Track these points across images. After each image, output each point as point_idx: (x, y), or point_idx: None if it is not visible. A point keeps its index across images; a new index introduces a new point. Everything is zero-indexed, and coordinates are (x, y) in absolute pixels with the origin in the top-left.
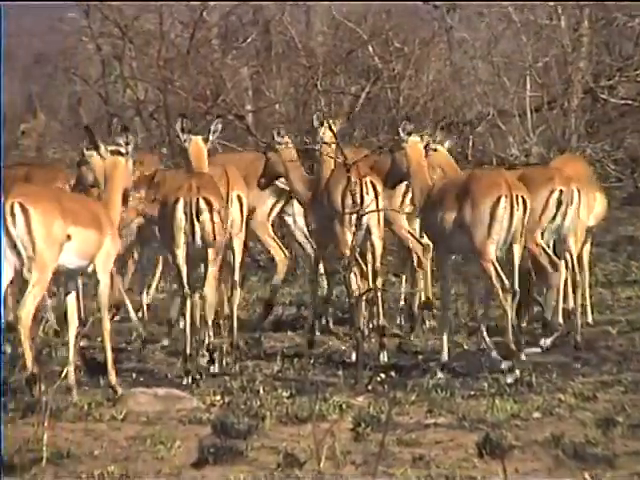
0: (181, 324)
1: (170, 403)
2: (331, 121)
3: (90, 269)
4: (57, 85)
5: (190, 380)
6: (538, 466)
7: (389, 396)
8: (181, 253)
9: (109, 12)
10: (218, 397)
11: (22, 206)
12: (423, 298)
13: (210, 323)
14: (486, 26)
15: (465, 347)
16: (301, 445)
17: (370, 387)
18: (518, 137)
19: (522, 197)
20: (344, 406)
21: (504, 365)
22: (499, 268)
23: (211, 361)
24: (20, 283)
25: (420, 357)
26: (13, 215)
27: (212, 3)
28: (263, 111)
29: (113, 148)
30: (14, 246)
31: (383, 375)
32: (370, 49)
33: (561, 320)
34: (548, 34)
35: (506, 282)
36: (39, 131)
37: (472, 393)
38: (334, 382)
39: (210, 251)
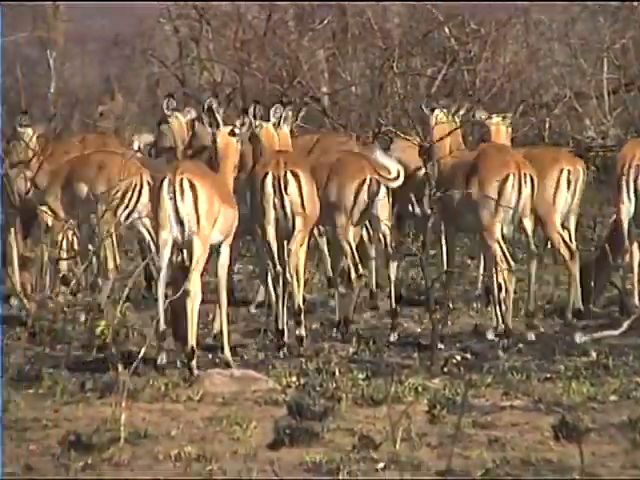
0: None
1: (246, 384)
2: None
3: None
4: (135, 67)
5: (284, 353)
6: (615, 449)
7: (465, 378)
8: (272, 229)
9: None
10: (294, 378)
11: (190, 182)
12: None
13: (301, 300)
14: (563, 7)
15: (541, 330)
16: (377, 427)
17: (446, 369)
18: (595, 119)
19: (530, 175)
20: (420, 388)
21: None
22: (505, 247)
23: (300, 341)
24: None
25: (496, 339)
26: (182, 190)
27: None
28: (339, 93)
29: (229, 129)
30: (179, 219)
31: (459, 357)
32: (446, 31)
33: (637, 302)
34: (626, 15)
35: (512, 262)
36: (117, 113)
37: (548, 376)
38: (410, 364)
39: (298, 221)
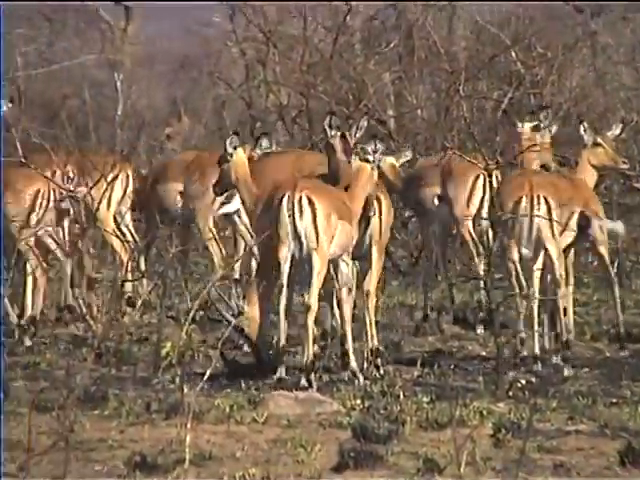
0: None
1: (310, 406)
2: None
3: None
4: (201, 89)
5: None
6: None
7: (530, 402)
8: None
9: (253, 17)
10: (358, 401)
11: (309, 199)
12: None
13: (373, 322)
14: (630, 31)
15: (607, 354)
16: (441, 450)
17: (511, 393)
18: None
19: (544, 197)
20: (484, 412)
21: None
22: (519, 269)
23: (377, 367)
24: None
25: (561, 364)
26: (301, 207)
27: (355, 3)
28: (405, 116)
29: (362, 156)
30: (297, 235)
31: (524, 381)
32: (513, 54)
33: None
34: None
35: (523, 284)
36: (183, 135)
37: (614, 400)
38: (474, 388)
39: (374, 249)
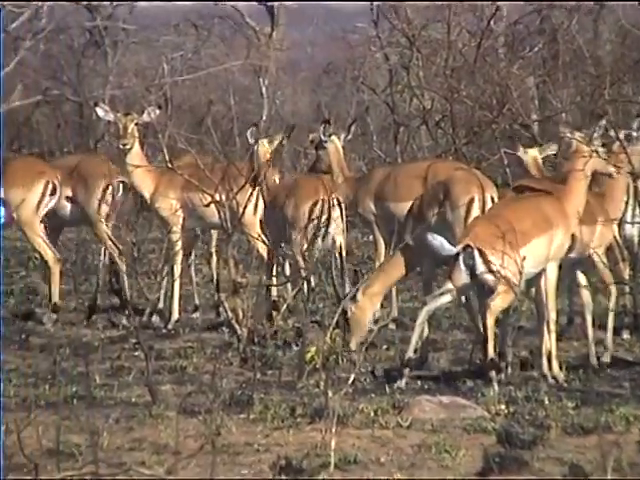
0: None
1: (455, 411)
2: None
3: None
4: (345, 94)
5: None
6: None
7: None
8: None
9: (397, 22)
10: (503, 406)
11: (480, 251)
12: None
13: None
14: None
15: None
16: (587, 456)
17: None
18: None
19: None
20: (631, 418)
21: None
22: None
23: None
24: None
25: None
26: (472, 257)
27: (500, 4)
28: (549, 120)
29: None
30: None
31: None
32: None
33: None
34: None
35: None
36: None
37: None
38: (620, 393)
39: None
